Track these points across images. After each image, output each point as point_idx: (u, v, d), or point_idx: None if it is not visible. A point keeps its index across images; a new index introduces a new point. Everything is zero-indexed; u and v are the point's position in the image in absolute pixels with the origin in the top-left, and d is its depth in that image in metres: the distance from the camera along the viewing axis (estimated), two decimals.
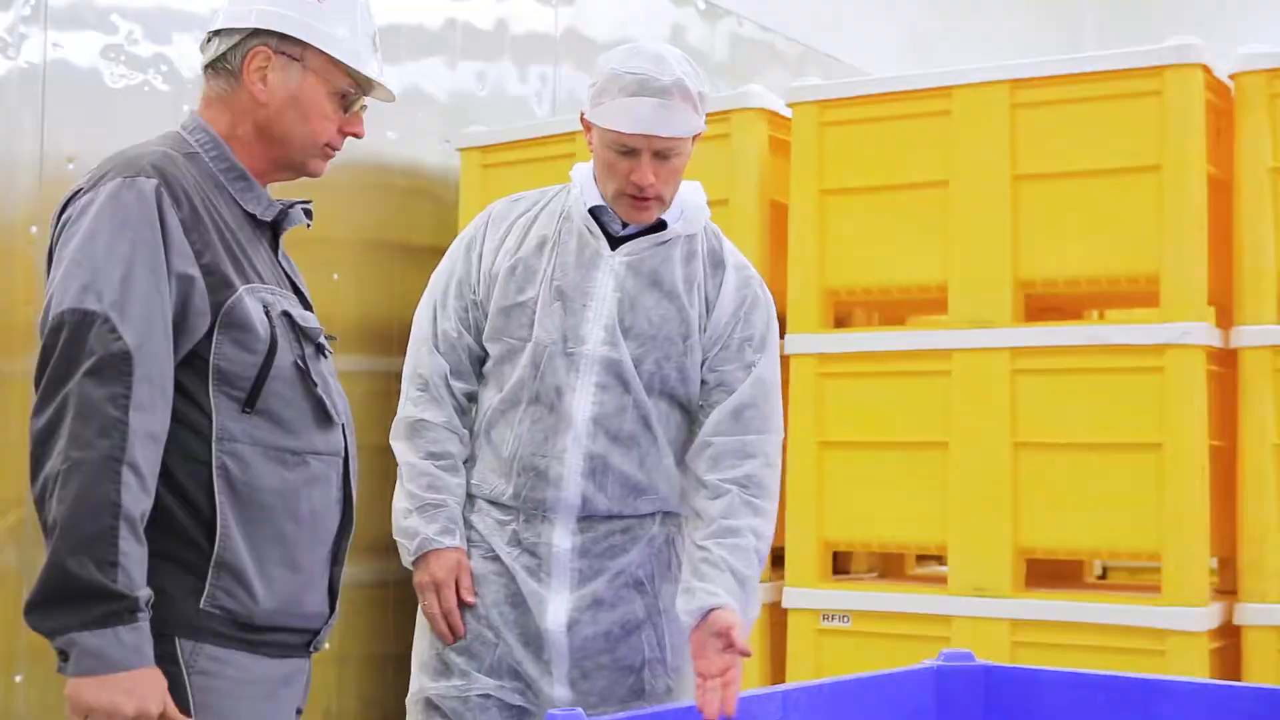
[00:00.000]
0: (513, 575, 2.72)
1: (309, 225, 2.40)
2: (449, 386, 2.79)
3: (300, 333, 2.25)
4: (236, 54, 2.27)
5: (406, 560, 2.76)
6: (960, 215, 4.16)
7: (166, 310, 2.09)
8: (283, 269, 2.34)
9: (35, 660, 3.92)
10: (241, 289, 2.17)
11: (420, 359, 2.80)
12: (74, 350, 2.03)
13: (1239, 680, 3.84)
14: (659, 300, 2.71)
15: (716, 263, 2.79)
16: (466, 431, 2.80)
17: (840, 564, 4.74)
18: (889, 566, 4.89)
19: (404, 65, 5.12)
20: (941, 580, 4.26)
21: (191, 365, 2.14)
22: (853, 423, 4.29)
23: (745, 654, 2.48)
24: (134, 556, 1.99)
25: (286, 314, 2.24)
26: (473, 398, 2.83)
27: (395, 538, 2.80)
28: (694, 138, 2.70)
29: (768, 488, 2.71)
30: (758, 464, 2.70)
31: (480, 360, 2.81)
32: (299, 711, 2.28)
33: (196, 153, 2.26)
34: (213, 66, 2.30)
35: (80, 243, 2.09)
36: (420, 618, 2.80)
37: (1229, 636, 3.95)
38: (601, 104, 2.65)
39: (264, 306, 2.20)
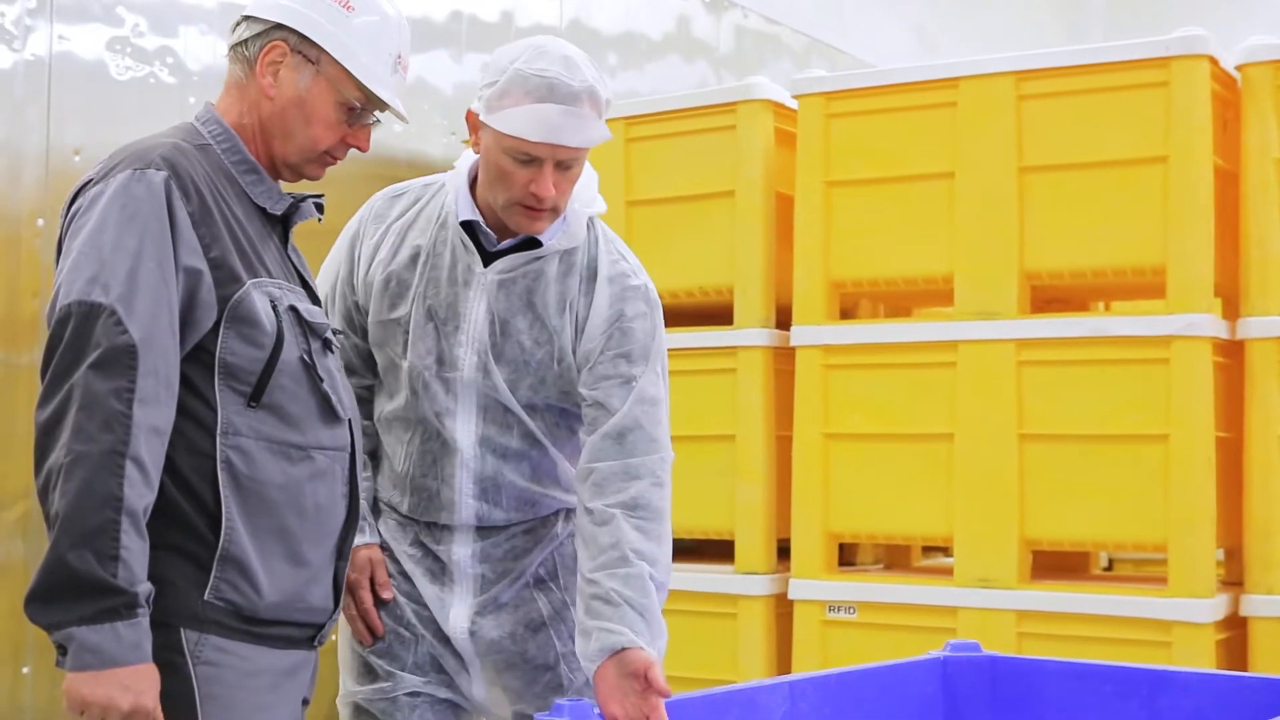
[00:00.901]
0: (414, 581, 2.67)
1: (320, 219, 2.39)
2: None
3: (307, 328, 2.24)
4: (256, 43, 2.27)
5: None
6: (966, 207, 4.15)
7: (173, 304, 2.08)
8: (291, 263, 2.33)
9: (42, 652, 3.93)
10: (249, 283, 2.16)
11: None
12: (80, 342, 2.02)
13: (1245, 672, 3.84)
14: (530, 323, 2.58)
15: (591, 275, 2.61)
16: (369, 422, 2.69)
17: (846, 556, 4.74)
18: (895, 558, 4.89)
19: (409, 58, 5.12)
20: (947, 572, 4.26)
21: (197, 359, 2.13)
22: (858, 414, 4.29)
23: (665, 695, 2.37)
24: (135, 551, 1.98)
25: (294, 309, 2.23)
26: (371, 389, 2.72)
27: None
28: None
29: (657, 509, 2.54)
30: (644, 485, 2.53)
31: (370, 356, 2.71)
32: (305, 702, 2.28)
33: (209, 144, 2.25)
34: (234, 50, 2.30)
35: (88, 235, 2.08)
36: (342, 618, 2.75)
37: (1235, 628, 3.95)
38: (503, 108, 2.46)
39: (271, 301, 2.19)
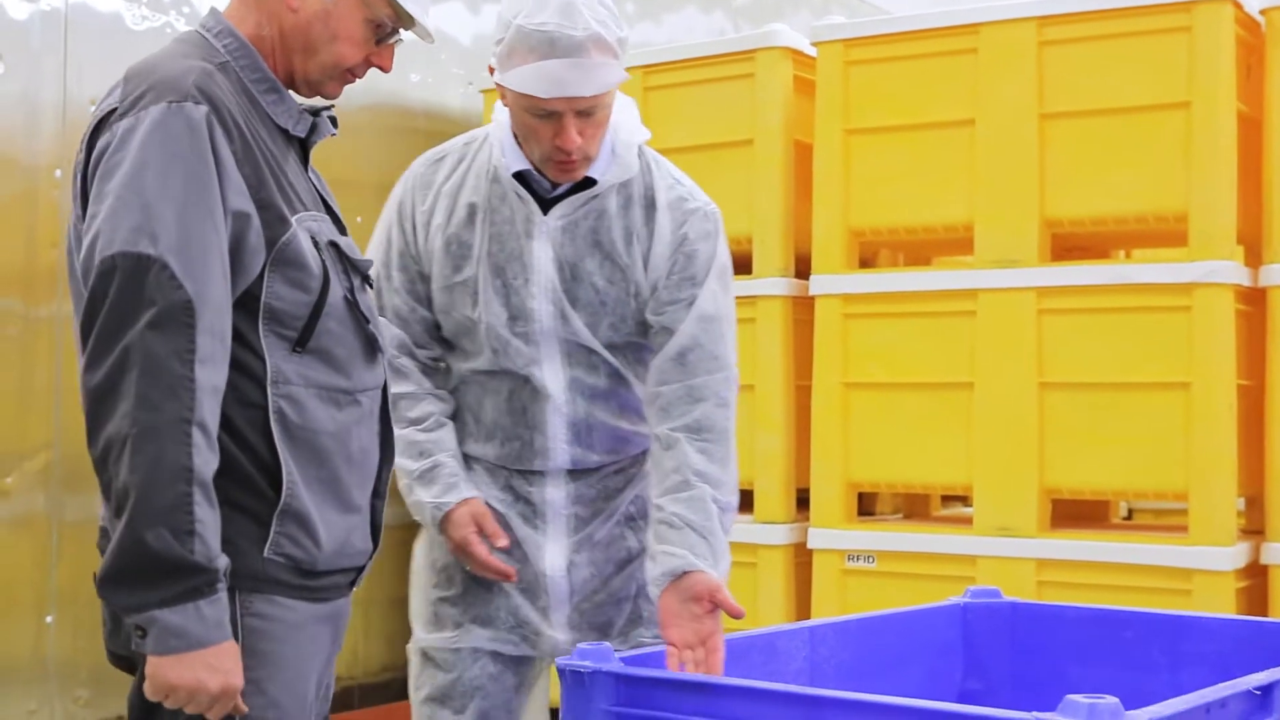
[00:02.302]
0: (508, 523, 2.67)
1: (335, 133, 2.27)
2: (412, 356, 2.67)
3: (349, 264, 2.14)
4: None
5: (440, 540, 2.67)
6: (986, 154, 4.13)
7: (224, 251, 1.96)
8: (314, 187, 2.21)
9: (66, 602, 3.96)
10: (294, 224, 2.04)
11: None
12: (131, 299, 1.89)
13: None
14: (600, 263, 2.57)
15: (650, 204, 2.59)
16: (444, 391, 2.68)
17: (865, 505, 4.74)
18: (914, 507, 4.89)
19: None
20: (967, 521, 4.26)
21: (242, 305, 2.01)
22: (878, 364, 4.28)
23: (737, 615, 2.39)
24: (209, 523, 1.90)
25: (334, 244, 2.12)
26: (439, 360, 2.71)
27: (415, 519, 2.72)
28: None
29: (721, 430, 2.55)
30: (708, 406, 2.54)
31: (437, 326, 2.68)
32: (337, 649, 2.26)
33: (226, 61, 2.09)
34: None
35: (127, 177, 1.93)
36: (414, 563, 2.77)
37: (1256, 576, 3.94)
38: (511, 66, 2.43)
39: (313, 238, 2.08)
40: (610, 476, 2.69)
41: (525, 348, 2.59)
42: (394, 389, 2.53)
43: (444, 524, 2.61)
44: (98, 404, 1.91)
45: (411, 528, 2.79)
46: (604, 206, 2.58)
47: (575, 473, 2.66)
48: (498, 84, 2.50)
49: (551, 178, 2.54)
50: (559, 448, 2.63)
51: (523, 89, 2.41)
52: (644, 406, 2.63)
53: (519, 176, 2.57)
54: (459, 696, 2.67)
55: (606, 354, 2.61)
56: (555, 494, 2.65)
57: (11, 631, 3.92)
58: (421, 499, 2.62)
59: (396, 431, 2.49)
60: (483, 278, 2.58)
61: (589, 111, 2.45)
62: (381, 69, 2.21)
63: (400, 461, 2.60)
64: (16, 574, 3.91)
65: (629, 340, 2.62)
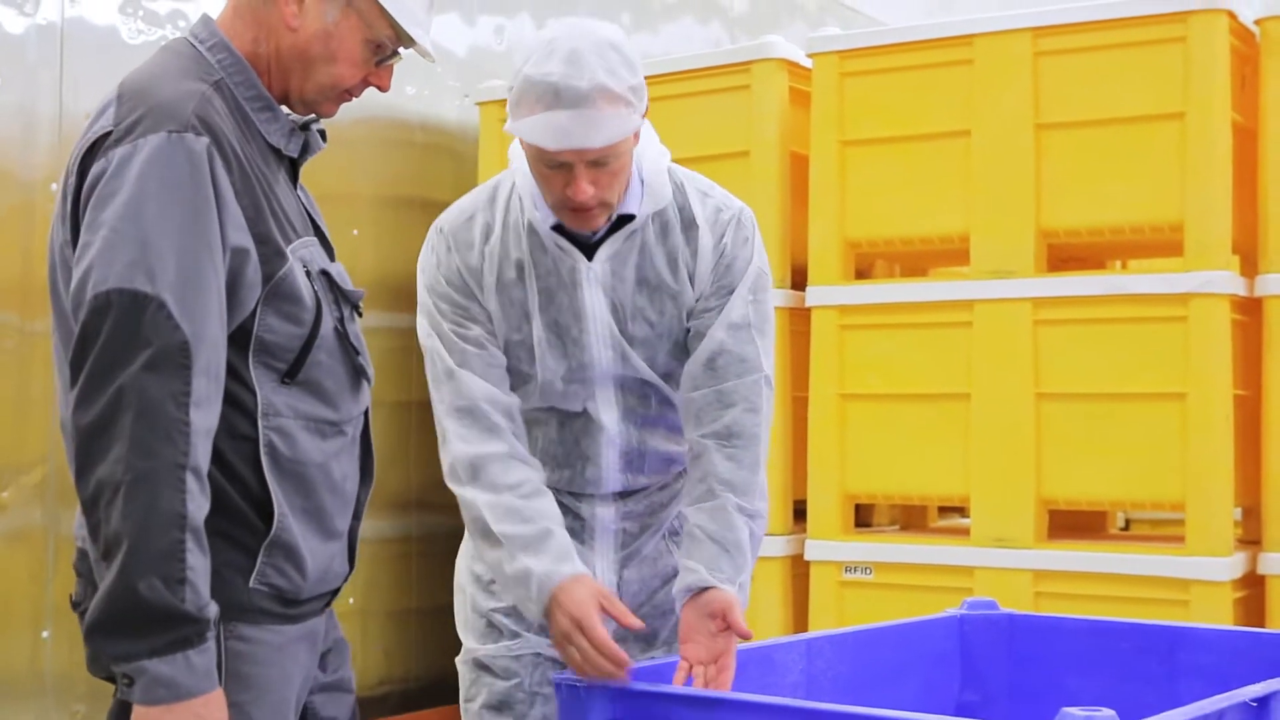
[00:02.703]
0: None
1: (323, 147, 2.23)
2: (501, 408, 2.51)
3: (340, 294, 2.12)
4: None
5: (535, 614, 2.41)
6: (982, 165, 4.13)
7: (221, 289, 1.92)
8: (303, 205, 2.18)
9: (62, 616, 3.95)
10: (290, 257, 2.01)
11: (457, 388, 2.49)
12: (126, 338, 1.85)
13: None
14: (650, 297, 2.53)
15: (688, 224, 2.54)
16: (535, 460, 2.54)
17: (862, 516, 4.73)
18: (911, 519, 4.89)
19: None
20: (964, 532, 4.26)
21: (234, 338, 1.98)
22: (874, 375, 4.28)
23: (745, 636, 2.37)
24: (200, 570, 1.86)
25: (325, 273, 2.10)
26: (518, 406, 2.60)
27: (509, 600, 2.54)
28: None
29: (751, 435, 2.51)
30: (738, 412, 2.50)
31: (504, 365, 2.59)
32: (324, 655, 2.25)
33: (220, 78, 2.05)
34: None
35: (124, 209, 1.87)
36: (457, 579, 2.75)
37: (1253, 586, 3.94)
38: (519, 116, 2.35)
39: (305, 267, 2.04)
40: (656, 493, 2.69)
41: (581, 390, 2.56)
42: (483, 447, 2.45)
43: (558, 597, 2.37)
44: (89, 443, 1.87)
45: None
46: (644, 238, 2.52)
47: (624, 493, 2.66)
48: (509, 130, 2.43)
49: (570, 227, 2.47)
50: (611, 476, 2.62)
51: (530, 140, 2.35)
52: (680, 415, 2.60)
53: (557, 228, 2.50)
54: (520, 703, 2.64)
55: (659, 382, 2.59)
56: (604, 512, 2.64)
57: (8, 646, 3.92)
58: (529, 567, 2.39)
59: (487, 498, 2.43)
60: (538, 336, 2.52)
61: (602, 161, 2.36)
62: (380, 89, 2.17)
63: (500, 527, 2.42)
64: (13, 588, 3.91)
65: (682, 361, 2.59)
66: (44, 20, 4.00)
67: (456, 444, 2.47)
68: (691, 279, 2.54)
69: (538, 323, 2.51)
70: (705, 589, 2.41)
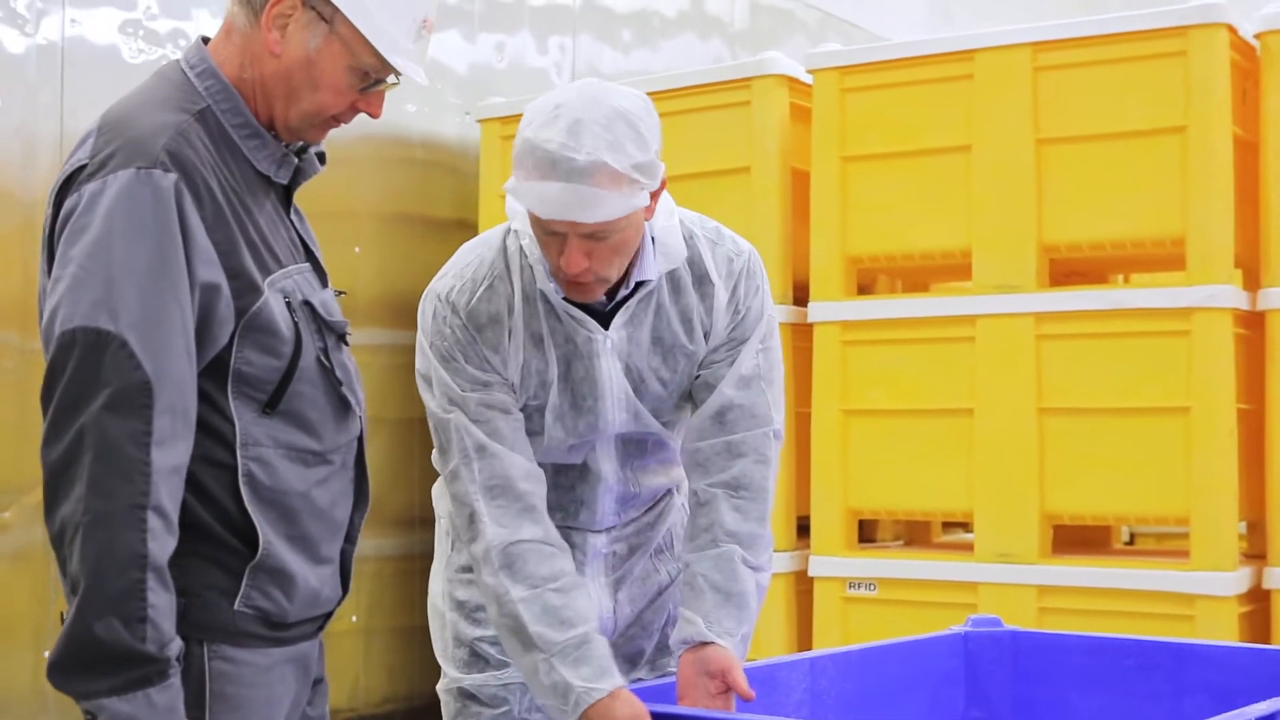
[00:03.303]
0: None
1: (321, 169, 2.22)
2: (535, 480, 2.43)
3: (323, 325, 2.11)
4: None
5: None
6: (983, 180, 4.13)
7: (188, 325, 1.91)
8: (296, 231, 2.17)
9: None
10: (266, 290, 2.00)
11: (491, 466, 2.40)
12: (88, 377, 1.86)
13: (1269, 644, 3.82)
14: (665, 357, 2.48)
15: (700, 279, 2.47)
16: (564, 542, 2.45)
17: (866, 532, 4.72)
18: (915, 534, 4.88)
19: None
20: (968, 547, 4.25)
21: (211, 370, 1.98)
22: (877, 390, 4.27)
23: (747, 698, 2.32)
24: (162, 608, 1.86)
25: (308, 304, 2.08)
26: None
27: (538, 703, 2.45)
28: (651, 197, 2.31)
29: (759, 488, 2.48)
30: (747, 463, 2.47)
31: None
32: (319, 680, 2.24)
33: (206, 106, 2.04)
34: None
35: (90, 247, 1.88)
36: (432, 602, 2.70)
37: (1258, 601, 3.93)
38: (518, 179, 2.26)
39: (285, 299, 2.03)
40: (645, 515, 2.68)
41: (584, 447, 2.53)
42: (519, 533, 2.38)
43: (593, 716, 2.30)
44: (54, 482, 1.89)
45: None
46: (659, 299, 2.46)
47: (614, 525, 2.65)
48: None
49: (566, 295, 2.39)
50: (606, 517, 2.60)
51: (524, 204, 2.27)
52: (681, 459, 2.57)
53: (571, 301, 2.44)
54: None
55: (660, 429, 2.56)
56: (596, 540, 2.62)
57: (10, 666, 3.91)
58: (566, 680, 2.31)
59: (522, 593, 2.35)
60: (553, 404, 2.48)
61: (599, 235, 2.25)
62: (370, 115, 2.14)
63: (537, 629, 2.34)
64: (15, 608, 3.90)
65: (685, 407, 2.57)
66: (45, 40, 4.01)
67: (490, 528, 2.38)
68: (706, 335, 2.50)
69: (554, 391, 2.46)
70: (704, 644, 2.38)
